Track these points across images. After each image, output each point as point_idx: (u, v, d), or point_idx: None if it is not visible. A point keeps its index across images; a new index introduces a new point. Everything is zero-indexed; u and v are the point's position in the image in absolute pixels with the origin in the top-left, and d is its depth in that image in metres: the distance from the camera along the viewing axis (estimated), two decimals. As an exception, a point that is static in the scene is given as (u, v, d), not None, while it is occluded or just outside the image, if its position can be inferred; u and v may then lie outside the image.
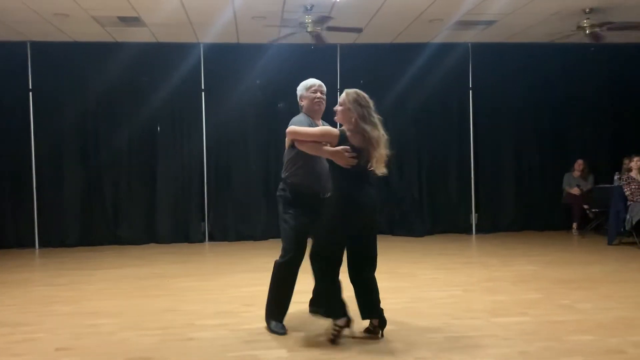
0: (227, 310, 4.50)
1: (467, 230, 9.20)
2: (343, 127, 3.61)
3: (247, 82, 8.69)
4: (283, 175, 3.95)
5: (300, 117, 3.93)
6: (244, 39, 8.49)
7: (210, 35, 8.13)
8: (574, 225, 8.86)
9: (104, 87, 8.41)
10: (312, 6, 6.84)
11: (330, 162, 3.61)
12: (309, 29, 7.06)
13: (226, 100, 8.69)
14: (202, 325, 4.10)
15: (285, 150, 3.94)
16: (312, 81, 4.01)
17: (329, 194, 3.76)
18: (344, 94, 3.60)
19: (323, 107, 3.99)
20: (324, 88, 4.01)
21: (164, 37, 8.30)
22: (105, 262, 7.07)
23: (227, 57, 8.73)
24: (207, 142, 8.80)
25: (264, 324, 3.95)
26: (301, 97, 4.01)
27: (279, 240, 3.91)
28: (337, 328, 3.58)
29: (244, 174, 8.81)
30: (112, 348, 3.64)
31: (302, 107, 4.00)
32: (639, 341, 3.56)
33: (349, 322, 3.60)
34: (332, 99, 4.00)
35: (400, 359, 3.30)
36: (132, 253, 7.78)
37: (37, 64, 8.42)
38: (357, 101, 3.53)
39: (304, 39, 7.50)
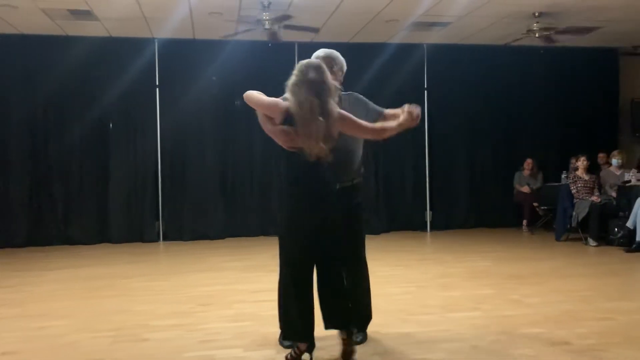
0: (182, 311, 4.43)
1: (422, 227, 9.36)
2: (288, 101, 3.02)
3: (203, 78, 8.57)
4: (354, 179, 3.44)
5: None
6: (200, 35, 8.37)
7: (165, 30, 7.97)
8: (524, 222, 9.11)
9: (53, 82, 8.11)
10: (269, 3, 6.81)
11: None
12: (267, 27, 7.03)
13: (181, 97, 8.54)
14: (157, 326, 4.02)
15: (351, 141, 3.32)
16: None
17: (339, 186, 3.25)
18: None
19: None
20: None
21: (117, 32, 8.09)
22: (55, 262, 6.85)
23: (182, 53, 8.57)
24: (162, 139, 8.64)
25: (220, 323, 3.90)
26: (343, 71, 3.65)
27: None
28: (297, 351, 3.10)
29: (200, 171, 8.68)
30: (62, 351, 3.53)
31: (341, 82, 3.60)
32: (584, 333, 3.71)
33: (311, 348, 3.12)
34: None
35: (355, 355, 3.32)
36: (83, 253, 7.56)
37: (-18, 57, 8.07)
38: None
39: (262, 36, 7.45)
